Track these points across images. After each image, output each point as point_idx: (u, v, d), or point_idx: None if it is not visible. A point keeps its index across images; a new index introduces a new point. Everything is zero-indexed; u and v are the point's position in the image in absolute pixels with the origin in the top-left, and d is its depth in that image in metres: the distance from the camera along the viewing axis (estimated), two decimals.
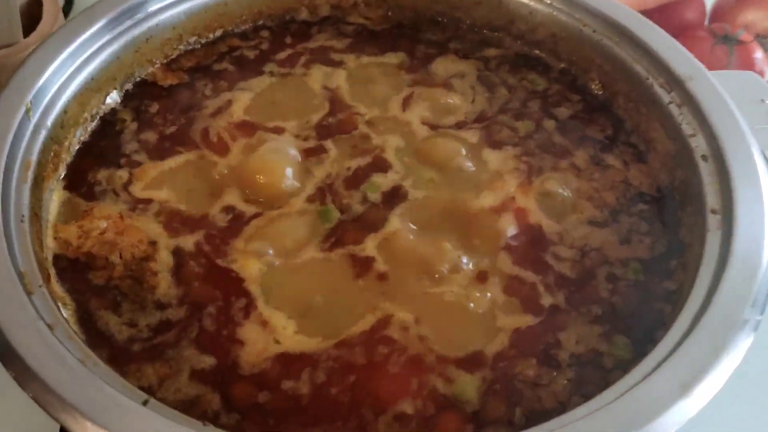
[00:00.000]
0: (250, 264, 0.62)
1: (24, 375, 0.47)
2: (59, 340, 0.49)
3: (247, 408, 0.54)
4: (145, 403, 0.47)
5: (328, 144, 0.71)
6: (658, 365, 0.49)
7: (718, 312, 0.52)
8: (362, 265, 0.62)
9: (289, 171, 0.67)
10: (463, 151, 0.70)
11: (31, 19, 0.92)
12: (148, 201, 0.66)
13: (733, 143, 0.62)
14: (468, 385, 0.55)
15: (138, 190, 0.67)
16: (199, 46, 0.81)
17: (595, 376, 0.55)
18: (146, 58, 0.77)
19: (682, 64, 0.69)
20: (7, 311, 0.49)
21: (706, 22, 1.26)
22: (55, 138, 0.66)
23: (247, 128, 0.72)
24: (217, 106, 0.74)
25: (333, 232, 0.64)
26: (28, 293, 0.52)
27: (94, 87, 0.71)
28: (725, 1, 1.26)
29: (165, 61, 0.79)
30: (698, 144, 0.65)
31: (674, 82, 0.69)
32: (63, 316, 0.54)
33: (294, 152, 0.70)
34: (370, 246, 0.63)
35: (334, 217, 0.65)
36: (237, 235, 0.64)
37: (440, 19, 0.85)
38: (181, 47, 0.80)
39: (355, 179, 0.68)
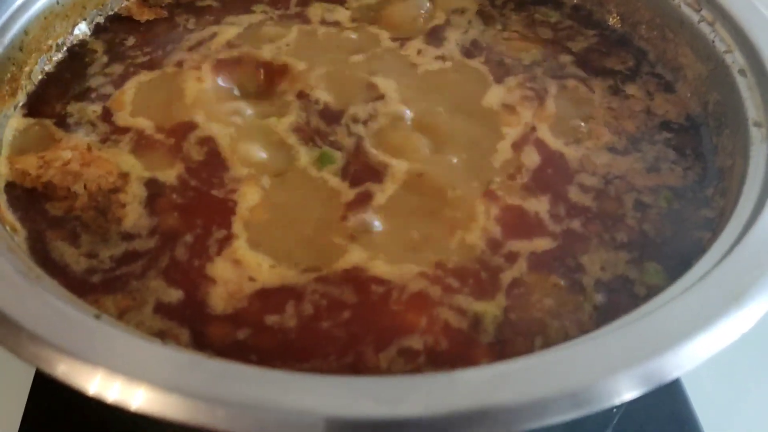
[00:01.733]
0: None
1: None
2: None
3: (226, 347, 0.46)
4: (97, 317, 0.39)
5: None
6: (705, 275, 0.42)
7: None
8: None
9: None
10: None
11: None
12: (123, 131, 0.59)
13: None
14: (485, 314, 0.47)
15: (111, 120, 0.60)
16: None
17: (626, 304, 0.47)
18: None
19: None
20: None
21: None
22: (13, 59, 0.60)
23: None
24: (199, 38, 0.68)
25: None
26: None
27: (60, 12, 0.65)
28: None
29: None
30: (735, 60, 0.58)
31: None
32: (7, 233, 0.46)
33: None
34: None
35: (336, 158, 0.57)
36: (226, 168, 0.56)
37: None
38: None
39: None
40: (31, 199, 0.54)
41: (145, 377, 0.36)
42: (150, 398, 0.36)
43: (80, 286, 0.48)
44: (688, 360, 0.38)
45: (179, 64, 0.64)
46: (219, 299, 0.48)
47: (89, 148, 0.57)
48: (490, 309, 0.48)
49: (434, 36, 0.69)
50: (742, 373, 0.74)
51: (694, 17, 0.63)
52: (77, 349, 0.36)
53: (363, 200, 0.54)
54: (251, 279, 0.49)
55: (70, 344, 0.37)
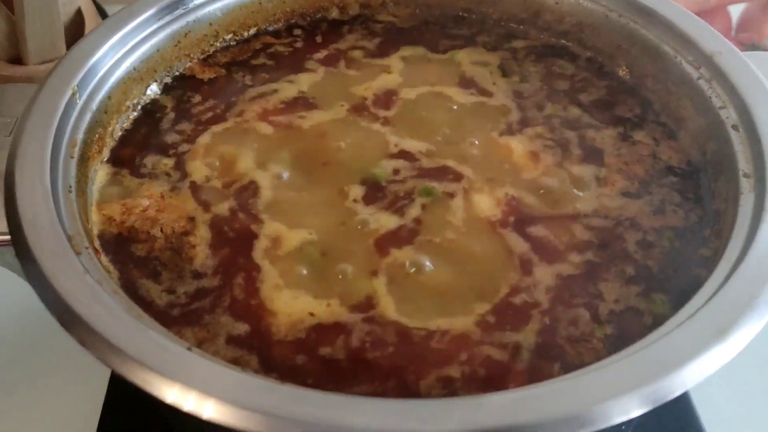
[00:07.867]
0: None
1: (72, 321, 0.48)
2: (106, 293, 0.51)
3: (285, 369, 0.54)
4: (188, 349, 0.48)
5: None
6: (693, 314, 0.49)
7: (755, 263, 0.52)
8: None
9: None
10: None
11: (74, 34, 0.96)
12: (190, 181, 0.68)
13: (763, 111, 0.63)
14: (522, 343, 0.55)
15: (180, 170, 0.69)
16: (234, 43, 0.84)
17: (635, 334, 0.55)
18: (184, 52, 0.80)
19: (709, 40, 0.70)
20: (56, 264, 0.51)
21: (733, 33, 1.28)
22: (99, 122, 0.69)
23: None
24: (259, 92, 0.77)
25: None
26: (77, 253, 0.53)
27: (136, 77, 0.74)
28: (752, 12, 1.28)
29: (202, 56, 0.82)
30: (728, 115, 0.65)
31: (702, 58, 0.70)
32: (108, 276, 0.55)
33: None
34: None
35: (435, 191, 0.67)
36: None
37: (466, 15, 0.88)
38: (217, 44, 0.83)
39: None
40: (118, 242, 0.63)
41: (233, 398, 0.45)
42: (234, 414, 0.44)
43: (165, 319, 0.57)
44: (680, 385, 0.46)
45: (240, 114, 0.74)
46: (281, 327, 0.57)
47: (162, 196, 0.67)
48: (526, 338, 0.56)
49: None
50: (747, 384, 0.81)
51: (694, 74, 0.70)
52: (179, 377, 0.45)
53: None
54: (311, 314, 0.58)
55: (171, 372, 0.45)
